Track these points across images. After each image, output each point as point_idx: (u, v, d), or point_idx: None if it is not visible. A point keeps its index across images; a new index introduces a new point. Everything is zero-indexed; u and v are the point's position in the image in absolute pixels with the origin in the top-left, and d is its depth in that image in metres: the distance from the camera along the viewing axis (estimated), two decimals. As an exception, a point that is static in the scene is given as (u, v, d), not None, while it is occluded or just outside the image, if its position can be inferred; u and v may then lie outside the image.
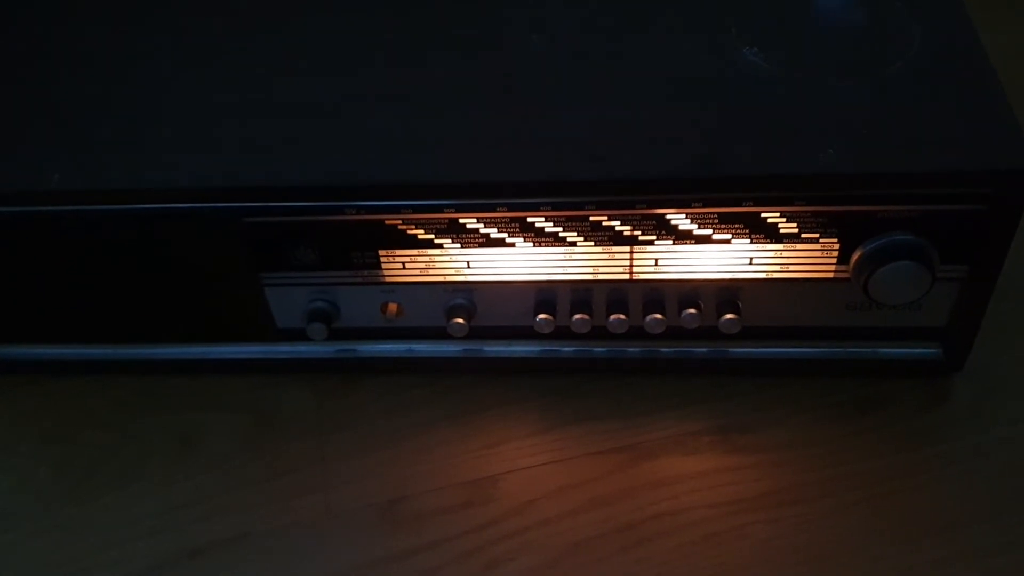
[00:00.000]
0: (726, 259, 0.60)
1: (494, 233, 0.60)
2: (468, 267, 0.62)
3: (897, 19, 0.63)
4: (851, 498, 0.61)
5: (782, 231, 0.59)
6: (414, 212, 0.59)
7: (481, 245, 0.60)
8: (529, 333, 0.64)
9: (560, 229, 0.59)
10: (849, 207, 0.57)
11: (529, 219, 0.59)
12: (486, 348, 0.67)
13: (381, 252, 0.61)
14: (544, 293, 0.63)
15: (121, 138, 0.61)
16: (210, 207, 0.59)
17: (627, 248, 0.60)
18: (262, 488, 0.64)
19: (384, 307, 0.64)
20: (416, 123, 0.60)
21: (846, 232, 0.58)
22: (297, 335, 0.66)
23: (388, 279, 0.63)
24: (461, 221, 0.59)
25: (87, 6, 0.70)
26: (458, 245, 0.61)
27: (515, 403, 0.67)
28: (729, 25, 0.63)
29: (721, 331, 0.63)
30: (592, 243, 0.60)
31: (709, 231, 0.59)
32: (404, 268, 0.62)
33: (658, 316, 0.62)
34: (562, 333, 0.64)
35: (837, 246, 0.59)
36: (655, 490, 0.62)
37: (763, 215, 0.58)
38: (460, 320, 0.63)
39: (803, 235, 0.59)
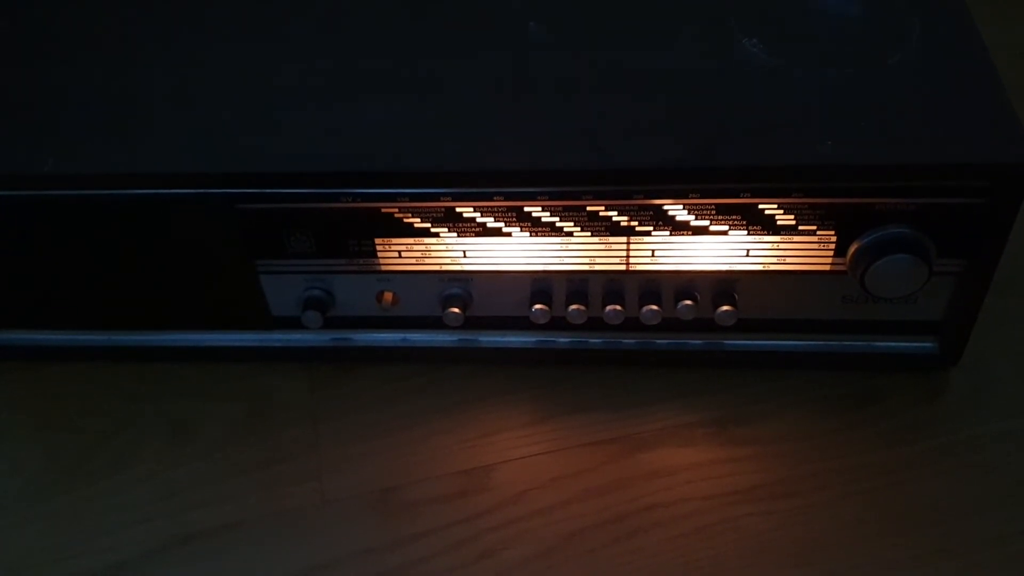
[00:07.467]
0: (723, 251, 0.60)
1: (490, 222, 0.60)
2: (464, 256, 0.62)
3: (896, 11, 0.63)
4: (845, 491, 0.61)
5: (779, 223, 0.58)
6: (410, 200, 0.59)
7: (477, 234, 0.60)
8: (525, 324, 0.64)
9: (557, 219, 0.59)
10: (846, 199, 0.57)
11: (526, 208, 0.59)
12: (481, 338, 0.67)
13: (377, 240, 0.61)
14: (540, 283, 0.63)
15: (116, 123, 0.60)
16: (205, 193, 0.59)
17: (624, 239, 0.60)
18: (256, 476, 0.64)
19: (380, 296, 0.64)
20: (413, 111, 0.60)
21: (843, 224, 0.58)
22: (292, 323, 0.65)
23: (384, 268, 0.62)
24: (458, 210, 0.59)
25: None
26: (454, 234, 0.60)
27: (510, 393, 0.67)
28: (728, 16, 0.63)
29: (717, 323, 0.62)
30: (589, 233, 0.60)
31: (706, 222, 0.59)
32: (400, 257, 0.62)
33: (654, 307, 0.62)
34: (558, 324, 0.64)
35: (834, 238, 0.59)
36: (649, 481, 0.62)
37: (760, 207, 0.58)
38: (456, 310, 0.63)
39: (800, 227, 0.58)
